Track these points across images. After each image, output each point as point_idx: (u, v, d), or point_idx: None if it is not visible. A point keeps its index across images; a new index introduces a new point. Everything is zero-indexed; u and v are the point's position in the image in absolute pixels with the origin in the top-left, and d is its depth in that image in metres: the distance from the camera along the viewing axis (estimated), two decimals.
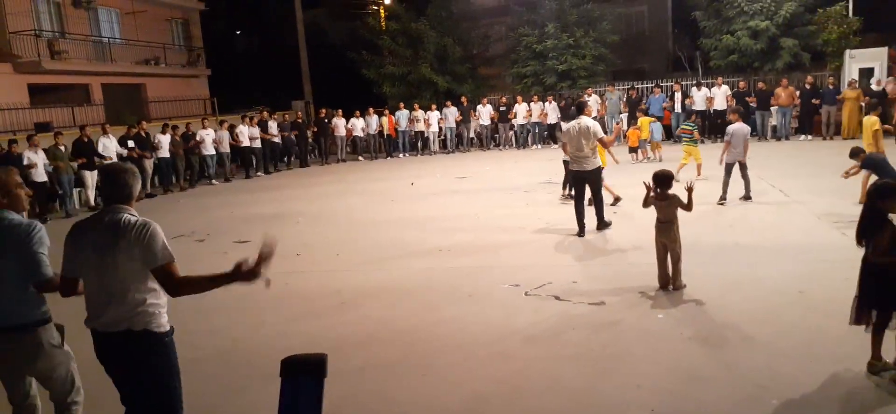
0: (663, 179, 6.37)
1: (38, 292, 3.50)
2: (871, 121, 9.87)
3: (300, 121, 22.47)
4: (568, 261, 7.76)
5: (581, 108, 8.97)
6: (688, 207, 6.24)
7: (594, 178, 8.71)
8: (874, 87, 18.50)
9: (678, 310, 5.80)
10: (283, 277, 7.42)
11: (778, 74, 21.76)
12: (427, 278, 7.42)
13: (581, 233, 8.70)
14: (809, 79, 19.73)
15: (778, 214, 9.35)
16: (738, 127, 9.99)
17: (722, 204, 10.02)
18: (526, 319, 5.88)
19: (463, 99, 23.20)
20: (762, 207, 9.79)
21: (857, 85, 18.55)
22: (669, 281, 6.28)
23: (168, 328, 3.32)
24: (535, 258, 7.97)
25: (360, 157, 22.75)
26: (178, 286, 3.19)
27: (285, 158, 22.00)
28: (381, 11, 32.08)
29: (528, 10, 25.32)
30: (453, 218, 10.87)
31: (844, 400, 4.09)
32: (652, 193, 6.42)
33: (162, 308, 3.29)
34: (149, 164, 16.80)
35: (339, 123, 22.47)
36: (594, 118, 21.01)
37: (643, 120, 16.59)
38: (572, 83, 23.72)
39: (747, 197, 10.14)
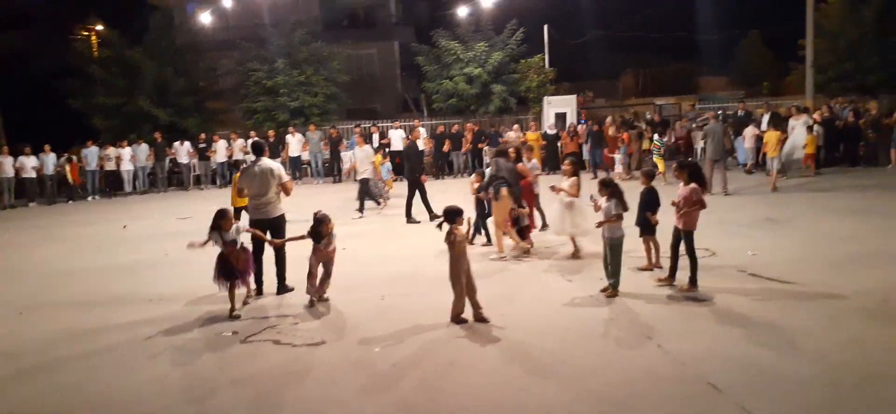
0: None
1: None
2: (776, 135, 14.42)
3: None
4: (291, 301, 7.52)
5: (259, 150, 7.98)
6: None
7: (278, 226, 7.72)
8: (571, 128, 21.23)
9: (392, 342, 5.94)
10: None
11: (492, 117, 24.14)
12: (132, 333, 6.64)
13: (259, 291, 7.72)
14: (476, 125, 21.94)
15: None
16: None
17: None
18: (240, 369, 5.54)
19: (157, 135, 21.90)
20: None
21: (551, 128, 21.26)
22: None
23: None
24: (258, 302, 7.59)
25: (32, 203, 19.77)
26: None
27: None
28: (93, 38, 29.10)
29: (256, 44, 24.84)
30: (170, 263, 10.00)
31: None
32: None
33: None
34: None
35: (6, 162, 19.44)
36: (296, 157, 21.57)
37: (375, 159, 17.15)
38: (306, 120, 23.72)
39: None
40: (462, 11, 24.64)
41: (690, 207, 6.89)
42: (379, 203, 14.19)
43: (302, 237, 7.28)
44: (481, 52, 23.95)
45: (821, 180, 15.06)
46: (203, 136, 22.44)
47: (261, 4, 26.78)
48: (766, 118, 17.97)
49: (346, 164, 19.68)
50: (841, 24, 22.37)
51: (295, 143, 21.80)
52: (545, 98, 23.65)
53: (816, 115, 17.20)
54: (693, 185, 6.93)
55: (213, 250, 7.09)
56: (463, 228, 6.39)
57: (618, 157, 17.97)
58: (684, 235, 6.96)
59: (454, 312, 6.34)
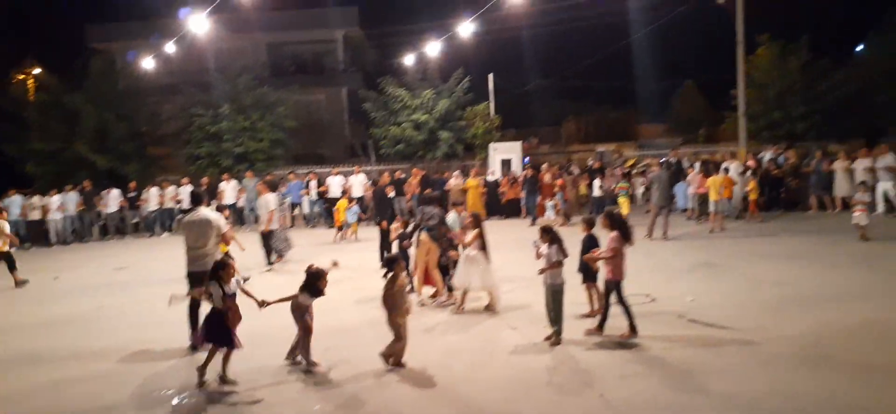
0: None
1: None
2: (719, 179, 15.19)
3: None
4: (233, 358, 7.27)
5: (198, 200, 7.85)
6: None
7: None
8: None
9: (333, 399, 5.81)
10: None
11: (439, 162, 24.33)
12: (55, 394, 6.32)
13: (195, 345, 7.25)
14: (421, 171, 21.89)
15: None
16: None
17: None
18: None
19: (86, 183, 21.07)
20: None
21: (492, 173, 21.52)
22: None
23: None
24: (194, 356, 7.30)
25: None
26: None
27: None
28: (30, 81, 28.34)
29: (201, 90, 24.56)
30: (104, 317, 9.60)
31: None
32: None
33: None
34: None
35: None
36: (232, 204, 20.81)
37: (341, 203, 17.10)
38: (251, 165, 23.44)
39: None
40: (409, 59, 24.95)
41: (613, 255, 7.02)
42: (271, 261, 12.97)
43: (292, 298, 6.65)
44: (428, 100, 24.26)
45: (755, 226, 15.62)
46: (134, 183, 21.73)
47: (206, 50, 26.53)
48: (697, 166, 18.66)
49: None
50: (769, 74, 23.50)
51: (230, 190, 21.16)
52: (491, 144, 24.01)
53: (750, 162, 17.97)
54: (615, 233, 7.08)
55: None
56: (404, 276, 6.40)
57: (549, 204, 18.04)
58: (613, 285, 7.04)
59: (395, 358, 6.31)
